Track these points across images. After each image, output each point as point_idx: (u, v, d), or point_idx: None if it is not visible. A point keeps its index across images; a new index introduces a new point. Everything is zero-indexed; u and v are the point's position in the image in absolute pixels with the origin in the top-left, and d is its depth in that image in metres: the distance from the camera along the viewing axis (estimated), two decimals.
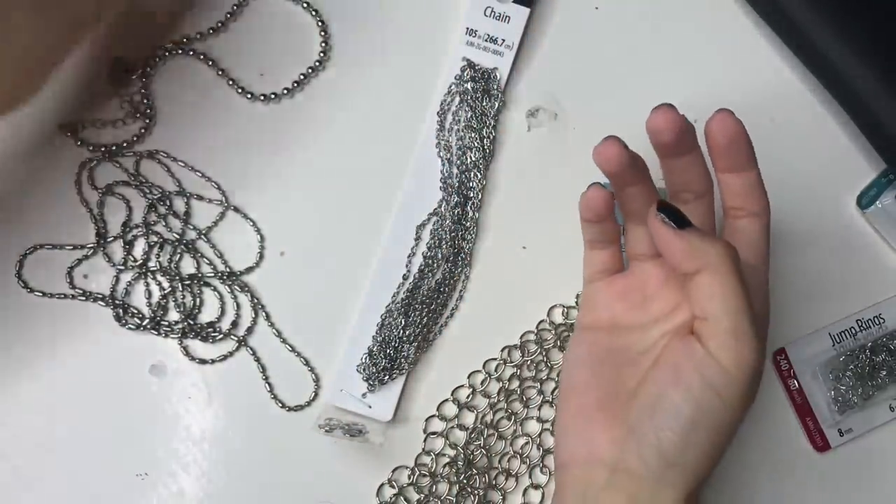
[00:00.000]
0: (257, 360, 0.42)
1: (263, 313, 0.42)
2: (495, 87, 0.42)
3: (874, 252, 0.44)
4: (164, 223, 0.42)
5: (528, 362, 0.42)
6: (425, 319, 0.42)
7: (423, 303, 0.42)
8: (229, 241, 0.42)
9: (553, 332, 0.43)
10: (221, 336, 0.42)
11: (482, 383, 0.42)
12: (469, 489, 0.42)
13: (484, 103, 0.42)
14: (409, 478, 0.42)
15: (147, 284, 0.41)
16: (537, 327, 0.43)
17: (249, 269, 0.42)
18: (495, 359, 0.42)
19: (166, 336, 0.41)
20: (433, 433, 0.42)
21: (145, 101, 0.41)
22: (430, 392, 0.42)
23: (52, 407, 0.41)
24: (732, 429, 0.32)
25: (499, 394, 0.42)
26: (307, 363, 0.42)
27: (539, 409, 0.43)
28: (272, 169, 0.42)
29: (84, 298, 0.41)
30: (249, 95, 0.42)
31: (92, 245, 0.41)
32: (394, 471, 0.42)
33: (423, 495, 0.41)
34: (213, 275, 0.42)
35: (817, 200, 0.44)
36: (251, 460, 0.41)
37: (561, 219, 0.41)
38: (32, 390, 0.41)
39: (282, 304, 0.42)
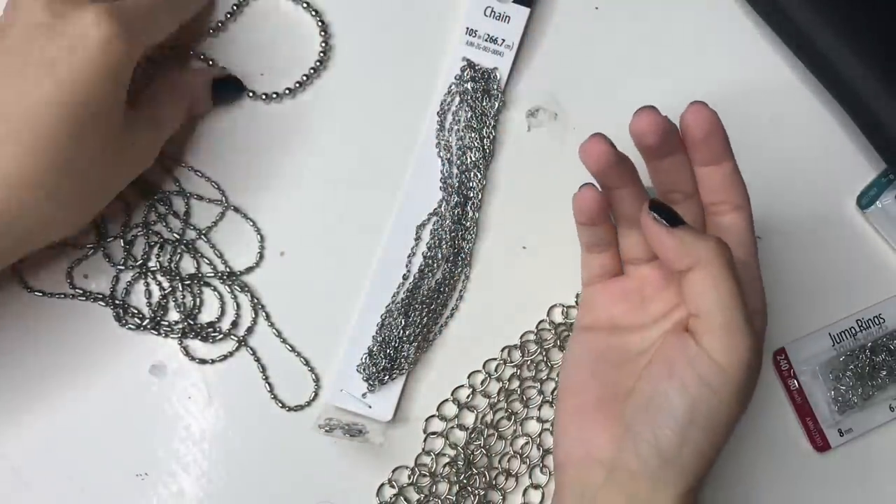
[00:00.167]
0: (257, 360, 0.42)
1: (263, 313, 0.42)
2: (495, 87, 0.42)
3: (874, 252, 0.44)
4: (164, 223, 0.42)
5: (528, 362, 0.42)
6: (425, 319, 0.42)
7: (423, 303, 0.42)
8: (229, 241, 0.42)
9: (553, 331, 0.43)
10: (221, 336, 0.42)
11: (482, 383, 0.42)
12: (469, 489, 0.42)
13: (484, 103, 0.42)
14: (410, 478, 0.42)
15: (147, 284, 0.41)
16: (537, 327, 0.43)
17: (249, 269, 0.42)
18: (495, 359, 0.42)
19: (166, 336, 0.41)
20: (433, 433, 0.42)
21: None
22: (430, 392, 0.42)
23: (52, 407, 0.41)
24: (730, 426, 0.32)
25: (499, 394, 0.42)
26: (307, 363, 0.42)
27: (539, 409, 0.43)
28: (272, 169, 0.42)
29: (84, 298, 0.41)
30: (250, 94, 0.42)
31: (92, 245, 0.41)
32: (394, 471, 0.42)
33: (423, 495, 0.41)
34: (213, 275, 0.42)
35: (817, 200, 0.44)
36: (251, 460, 0.41)
37: (561, 219, 0.41)
38: (32, 390, 0.41)
39: (282, 304, 0.42)
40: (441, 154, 0.42)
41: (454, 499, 0.41)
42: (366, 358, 0.41)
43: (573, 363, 0.36)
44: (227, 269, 0.42)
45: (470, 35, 0.42)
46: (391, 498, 0.41)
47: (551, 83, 0.43)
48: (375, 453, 0.42)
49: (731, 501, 0.43)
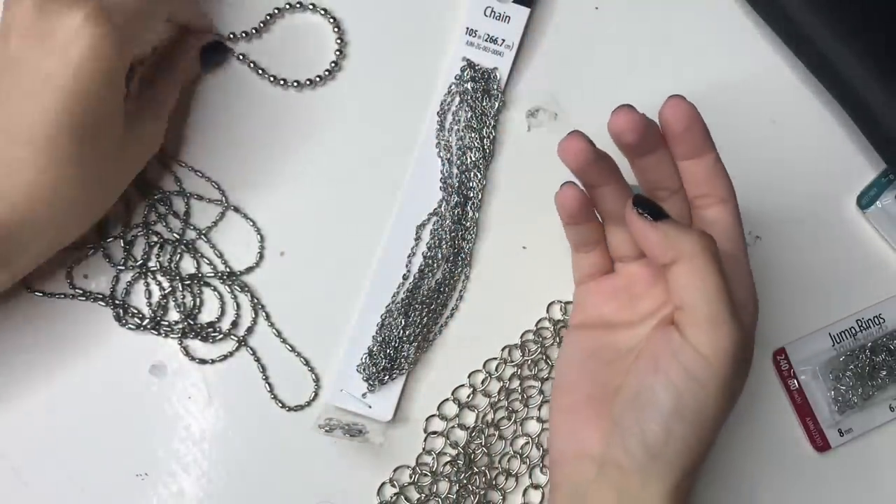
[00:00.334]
0: (257, 360, 0.42)
1: (263, 313, 0.42)
2: (495, 87, 0.42)
3: (874, 252, 0.44)
4: (164, 223, 0.42)
5: (529, 362, 0.42)
6: (425, 319, 0.42)
7: (423, 303, 0.42)
8: (229, 241, 0.42)
9: (552, 328, 0.43)
10: (221, 336, 0.42)
11: (482, 382, 0.42)
12: (469, 488, 0.42)
13: (484, 103, 0.42)
14: (411, 477, 0.42)
15: (147, 284, 0.41)
16: (537, 325, 0.43)
17: (249, 269, 0.42)
18: (495, 358, 0.42)
19: (166, 336, 0.41)
20: (434, 432, 0.42)
21: None
22: (430, 392, 0.42)
23: (52, 407, 0.41)
24: (718, 420, 0.32)
25: (499, 393, 0.42)
26: (307, 363, 0.42)
27: (539, 409, 0.43)
28: (272, 169, 0.42)
29: (84, 298, 0.41)
30: (240, 57, 0.41)
31: (92, 245, 0.41)
32: (395, 470, 0.42)
33: (423, 495, 0.41)
34: (213, 275, 0.42)
35: (817, 200, 0.44)
36: (251, 460, 0.41)
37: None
38: (32, 390, 0.41)
39: (282, 304, 0.42)
40: (441, 154, 0.42)
41: (454, 498, 0.41)
42: (366, 358, 0.41)
43: (566, 362, 0.36)
44: (227, 269, 0.42)
45: (470, 35, 0.42)
46: (392, 497, 0.41)
47: (551, 83, 0.43)
48: (375, 453, 0.42)
49: (731, 501, 0.43)
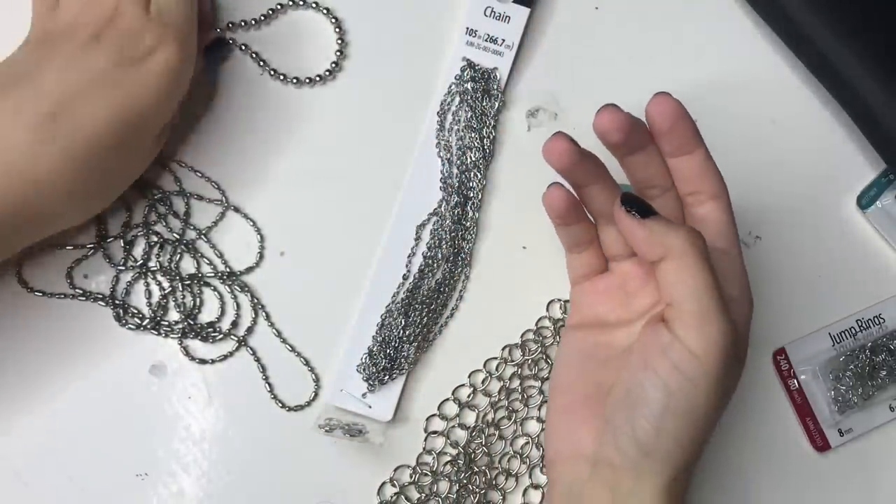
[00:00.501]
0: (257, 360, 0.42)
1: (263, 313, 0.42)
2: (495, 87, 0.42)
3: (874, 252, 0.44)
4: (164, 223, 0.42)
5: (529, 361, 0.42)
6: (425, 319, 0.42)
7: (423, 303, 0.42)
8: (229, 241, 0.42)
9: (552, 327, 0.43)
10: (221, 336, 0.42)
11: (483, 382, 0.42)
12: (470, 488, 0.42)
13: (484, 103, 0.42)
14: (411, 477, 0.42)
15: (147, 284, 0.41)
16: (537, 324, 0.43)
17: (249, 269, 0.42)
18: (496, 358, 0.42)
19: (166, 336, 0.41)
20: (434, 432, 0.42)
21: None
22: (430, 392, 0.42)
23: (52, 407, 0.41)
24: (710, 417, 0.31)
25: (499, 392, 0.42)
26: (307, 363, 0.42)
27: (539, 409, 0.43)
28: (272, 169, 0.42)
29: (84, 298, 0.41)
30: (242, 48, 0.42)
31: (92, 245, 0.41)
32: (395, 470, 0.42)
33: (423, 494, 0.41)
34: (213, 275, 0.42)
35: (817, 200, 0.44)
36: (251, 460, 0.41)
37: None
38: (32, 390, 0.41)
39: (282, 304, 0.42)
40: (441, 154, 0.42)
41: (455, 497, 0.41)
42: (366, 358, 0.41)
43: (563, 362, 0.36)
44: (227, 269, 0.42)
45: (470, 35, 0.42)
46: (392, 497, 0.41)
47: (551, 83, 0.43)
48: (375, 453, 0.42)
49: (731, 501, 0.43)
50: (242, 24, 0.42)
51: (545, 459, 0.36)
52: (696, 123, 0.33)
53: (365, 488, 0.42)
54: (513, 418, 0.42)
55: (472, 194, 0.42)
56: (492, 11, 0.42)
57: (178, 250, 0.42)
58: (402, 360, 0.41)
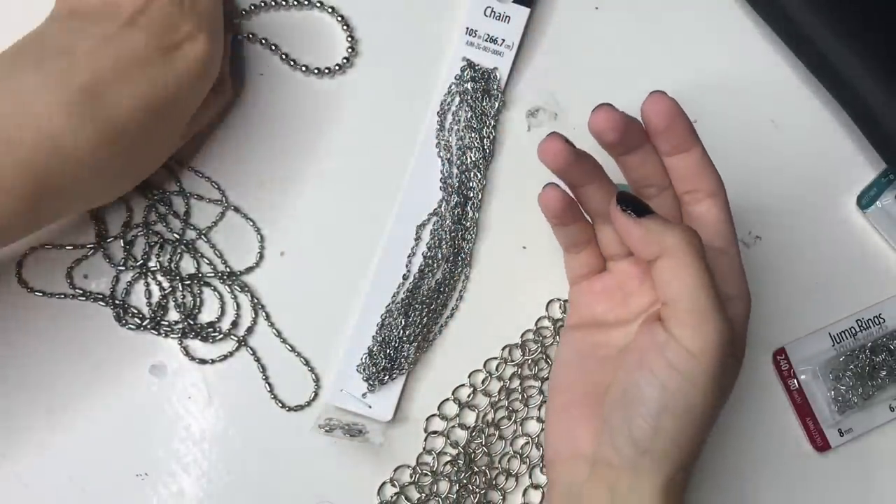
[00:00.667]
0: (257, 360, 0.42)
1: (263, 313, 0.42)
2: (495, 87, 0.42)
3: (874, 252, 0.44)
4: (164, 223, 0.42)
5: (529, 361, 0.42)
6: (425, 319, 0.42)
7: (423, 303, 0.42)
8: (229, 241, 0.42)
9: (552, 327, 0.43)
10: (221, 336, 0.42)
11: (483, 382, 0.42)
12: (470, 488, 0.42)
13: (484, 103, 0.42)
14: (411, 477, 0.42)
15: (147, 284, 0.41)
16: (536, 324, 0.43)
17: (249, 269, 0.42)
18: (496, 358, 0.42)
19: (166, 336, 0.41)
20: (434, 432, 0.42)
21: None
22: (430, 392, 0.42)
23: (52, 407, 0.41)
24: (707, 415, 0.31)
25: (499, 392, 0.42)
26: (307, 363, 0.42)
27: (539, 409, 0.43)
28: (272, 169, 0.42)
29: (84, 298, 0.41)
30: (249, 36, 0.41)
31: (92, 245, 0.41)
32: (395, 470, 0.42)
33: (423, 494, 0.41)
34: (213, 275, 0.42)
35: (817, 200, 0.44)
36: (251, 460, 0.41)
37: None
38: (32, 390, 0.41)
39: (282, 304, 0.42)
40: (441, 154, 0.42)
41: (455, 497, 0.41)
42: (366, 358, 0.41)
43: (562, 363, 0.36)
44: (227, 269, 0.42)
45: (470, 35, 0.42)
46: (392, 497, 0.41)
47: (551, 83, 0.43)
48: (375, 453, 0.42)
49: (731, 501, 0.43)
50: (252, 7, 0.42)
51: (545, 459, 0.36)
52: (696, 124, 0.33)
53: (365, 488, 0.42)
54: (513, 418, 0.42)
55: (472, 194, 0.42)
56: (492, 11, 0.42)
57: (178, 250, 0.42)
58: (402, 360, 0.41)
